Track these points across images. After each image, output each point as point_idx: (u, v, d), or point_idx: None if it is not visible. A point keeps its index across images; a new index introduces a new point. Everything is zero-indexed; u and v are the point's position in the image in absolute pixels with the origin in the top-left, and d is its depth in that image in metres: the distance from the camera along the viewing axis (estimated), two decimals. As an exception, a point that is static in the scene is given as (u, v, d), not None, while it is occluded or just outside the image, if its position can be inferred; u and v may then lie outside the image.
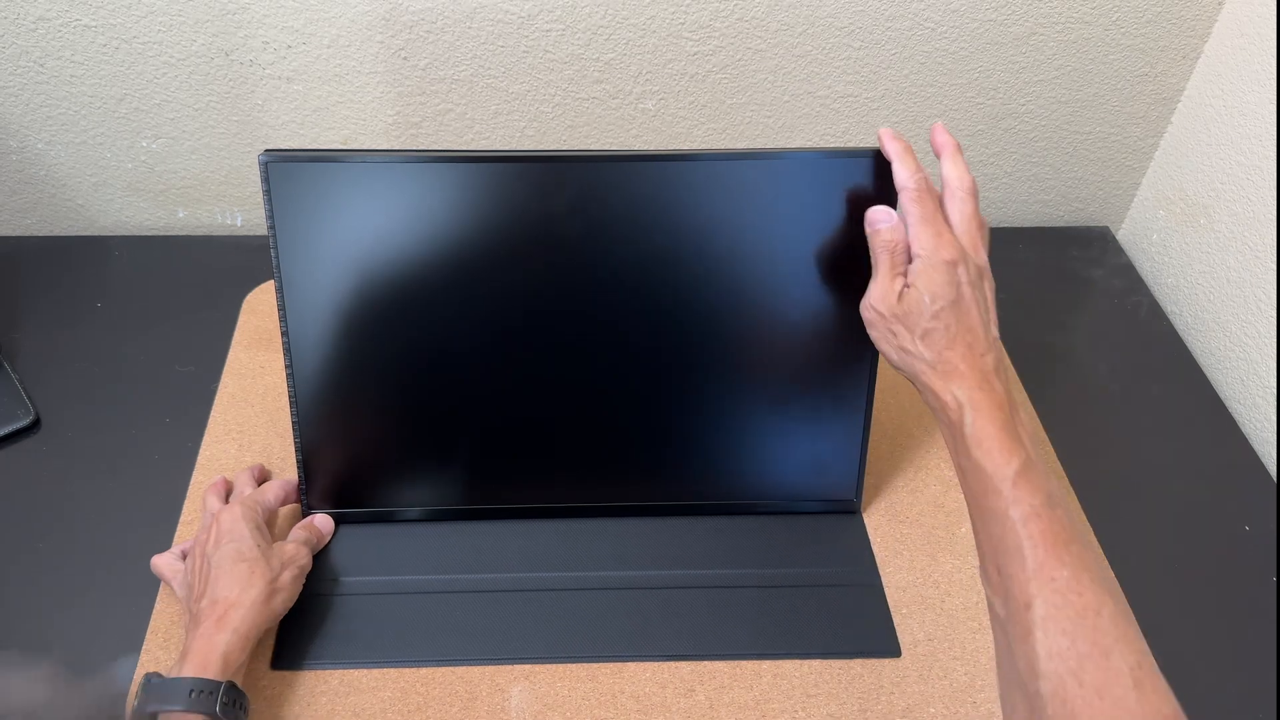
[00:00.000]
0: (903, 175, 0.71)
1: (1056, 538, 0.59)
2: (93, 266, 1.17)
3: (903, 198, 0.70)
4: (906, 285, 0.69)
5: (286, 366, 0.80)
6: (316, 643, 0.80)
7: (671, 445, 0.86)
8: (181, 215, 1.23)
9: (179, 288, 1.14)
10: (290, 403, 0.81)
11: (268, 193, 0.74)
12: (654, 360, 0.82)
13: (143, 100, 1.12)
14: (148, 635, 0.80)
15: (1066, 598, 0.57)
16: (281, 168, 0.73)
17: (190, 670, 0.68)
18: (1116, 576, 0.84)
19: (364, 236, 0.76)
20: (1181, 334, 1.20)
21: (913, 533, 0.93)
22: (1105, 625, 0.56)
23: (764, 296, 0.80)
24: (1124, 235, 1.36)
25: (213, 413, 0.99)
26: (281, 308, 0.78)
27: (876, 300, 0.71)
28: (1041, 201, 1.32)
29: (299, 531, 0.84)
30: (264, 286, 1.14)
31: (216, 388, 1.02)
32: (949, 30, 1.14)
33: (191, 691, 0.67)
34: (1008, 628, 0.59)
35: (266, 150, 0.74)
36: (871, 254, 0.72)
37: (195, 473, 0.93)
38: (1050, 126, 1.25)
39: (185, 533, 0.88)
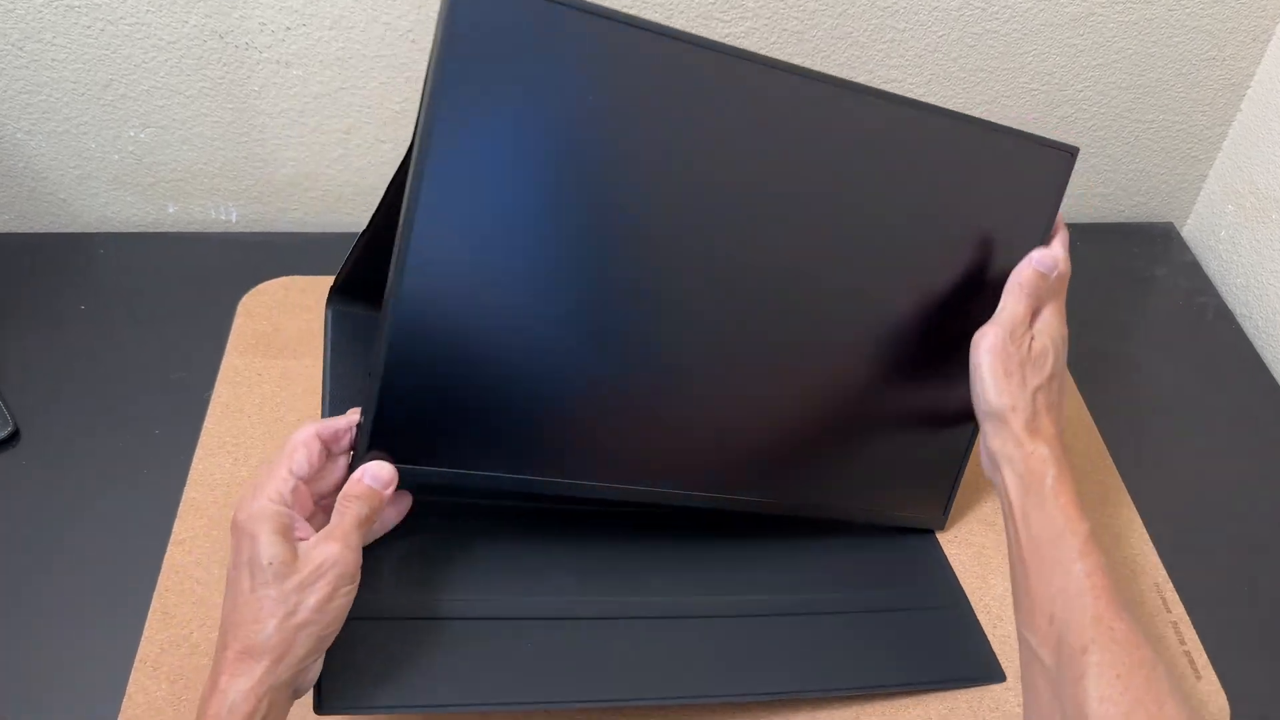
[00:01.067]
0: (1062, 253, 0.80)
1: (1116, 598, 0.66)
2: (76, 266, 1.16)
3: (1045, 269, 0.79)
4: (1033, 336, 0.77)
5: (399, 251, 0.64)
6: (366, 679, 0.68)
7: (779, 435, 0.83)
8: (172, 210, 1.23)
9: (169, 289, 1.13)
10: (386, 299, 0.65)
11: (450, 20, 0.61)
12: (791, 331, 0.79)
13: (130, 86, 1.11)
14: (135, 665, 0.79)
15: (1125, 648, 0.63)
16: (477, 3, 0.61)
17: None
18: (1186, 610, 0.89)
19: (550, 116, 0.65)
20: (1252, 338, 1.19)
21: (962, 553, 0.93)
22: (1160, 680, 0.62)
23: (912, 285, 0.80)
24: (1189, 232, 1.35)
25: (206, 424, 0.98)
26: (418, 177, 0.63)
27: (1006, 334, 0.76)
28: (1100, 195, 1.31)
29: (347, 508, 0.66)
30: (261, 288, 1.14)
31: (210, 397, 1.01)
32: (1000, 10, 1.13)
33: None
34: (1056, 674, 0.64)
35: None
36: (1017, 289, 0.78)
37: (187, 489, 0.92)
38: (1110, 115, 1.24)
39: (176, 554, 0.87)
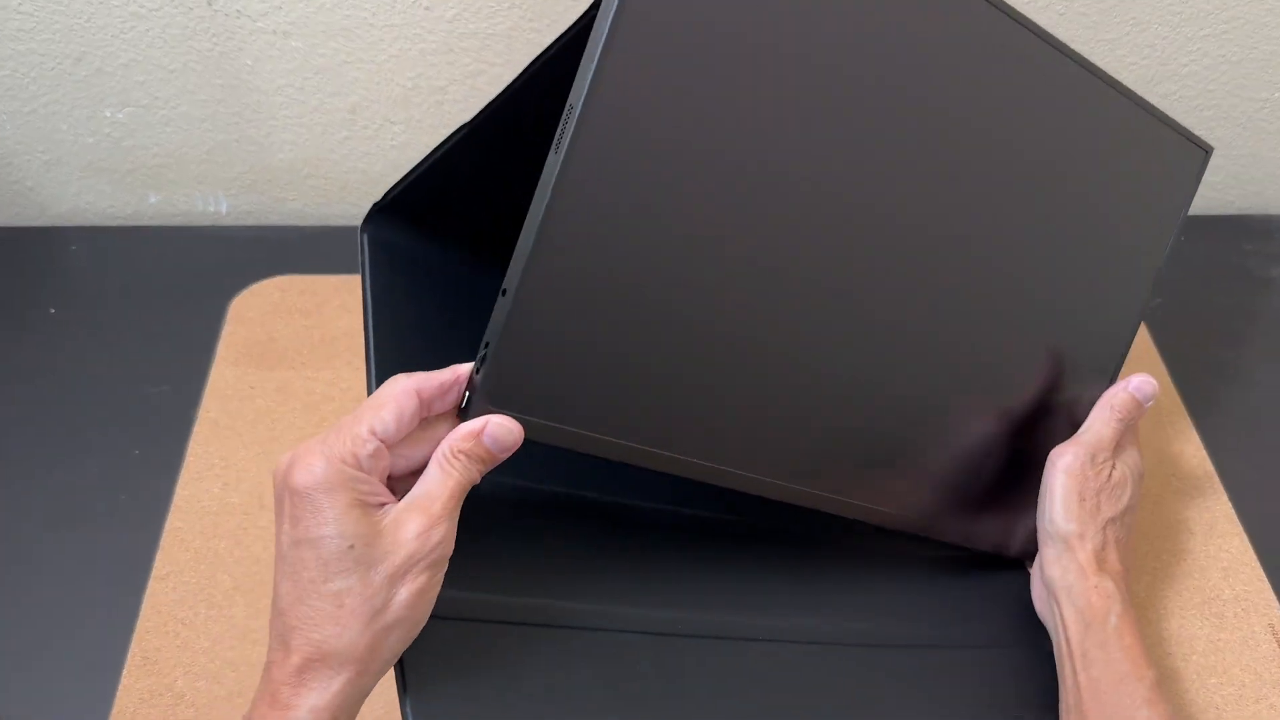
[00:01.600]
0: (1151, 388, 0.82)
1: None
2: (44, 263, 1.16)
3: (1143, 397, 0.82)
4: (1114, 464, 0.79)
5: (555, 180, 0.59)
6: (464, 697, 0.61)
7: (910, 435, 0.81)
8: (153, 201, 1.23)
9: (150, 290, 1.13)
10: (539, 206, 0.59)
11: None
12: (936, 320, 0.78)
13: (105, 60, 1.10)
14: (111, 718, 0.78)
15: None
16: None
17: None
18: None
19: (733, 59, 0.63)
20: (1383, 346, 1.16)
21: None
22: None
23: (1044, 276, 0.81)
24: (1308, 227, 1.32)
25: (191, 444, 0.97)
26: (589, 92, 0.59)
27: (1088, 457, 0.79)
28: (1208, 184, 1.27)
29: (452, 467, 0.56)
30: (254, 289, 1.12)
31: (196, 413, 0.99)
32: (1096, -27, 1.10)
33: None
34: None
35: None
36: (1109, 411, 0.81)
37: (170, 518, 0.91)
38: (1219, 93, 1.22)
39: (158, 592, 0.86)
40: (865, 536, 0.89)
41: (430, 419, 0.58)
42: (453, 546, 0.55)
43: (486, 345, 0.59)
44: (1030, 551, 0.86)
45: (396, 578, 0.53)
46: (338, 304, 1.10)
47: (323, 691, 0.53)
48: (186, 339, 1.07)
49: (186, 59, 1.11)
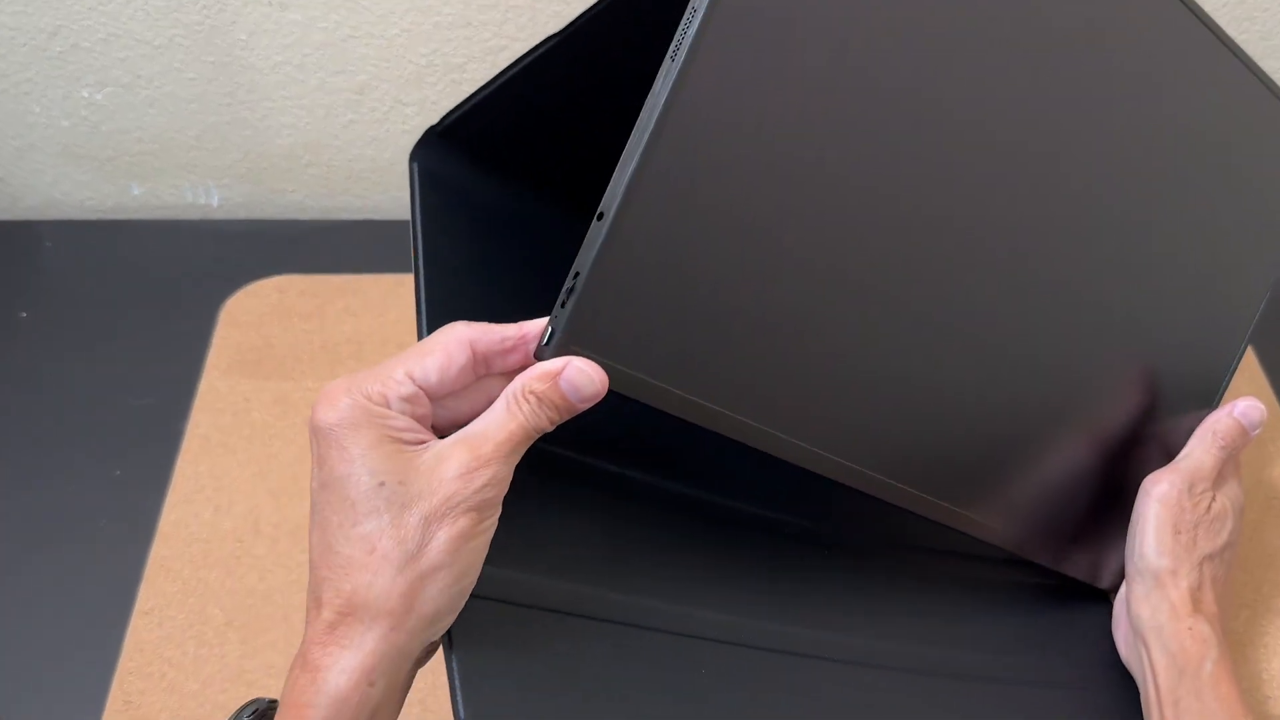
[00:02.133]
0: (1259, 414, 0.82)
1: None
2: (15, 261, 1.15)
3: (1249, 424, 0.82)
4: (1214, 496, 0.79)
5: (670, 88, 0.57)
6: (519, 689, 0.60)
7: (998, 443, 0.81)
8: (136, 192, 1.22)
9: (133, 291, 1.12)
10: (650, 129, 0.57)
11: None
12: (1049, 322, 0.79)
13: (83, 34, 1.09)
14: None
15: None
16: None
17: None
18: None
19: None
20: None
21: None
22: None
23: (1158, 281, 0.81)
24: None
25: (179, 462, 0.96)
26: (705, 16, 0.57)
27: (1185, 486, 0.78)
28: None
29: (520, 408, 0.54)
30: (249, 289, 1.11)
31: (184, 428, 0.99)
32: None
33: None
34: None
35: None
36: (1210, 438, 0.80)
37: (155, 545, 0.90)
38: None
39: (141, 627, 0.85)
40: (947, 559, 0.90)
41: (487, 377, 0.57)
42: (504, 492, 0.54)
43: (575, 276, 0.57)
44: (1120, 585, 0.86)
45: (433, 519, 0.52)
46: (341, 306, 1.09)
47: (356, 650, 0.51)
48: (173, 345, 1.06)
49: (173, 33, 1.10)
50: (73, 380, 1.04)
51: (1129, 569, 0.79)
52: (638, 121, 0.56)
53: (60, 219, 1.23)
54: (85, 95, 1.14)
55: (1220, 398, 0.86)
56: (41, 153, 1.19)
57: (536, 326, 0.56)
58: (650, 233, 0.58)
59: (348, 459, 0.52)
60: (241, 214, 1.25)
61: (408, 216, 0.75)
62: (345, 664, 0.51)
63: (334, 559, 0.52)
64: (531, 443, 0.54)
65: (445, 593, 0.52)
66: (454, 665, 0.57)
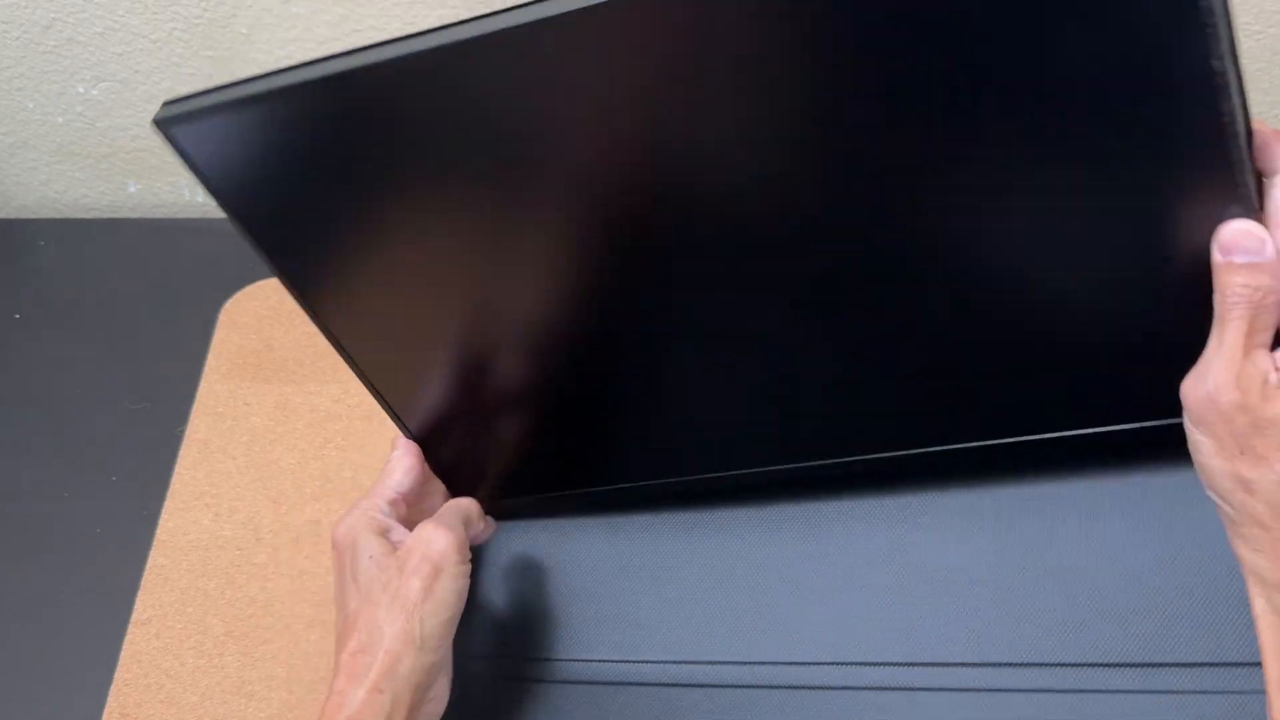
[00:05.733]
0: (1248, 240, 0.57)
1: None
2: (8, 261, 1.16)
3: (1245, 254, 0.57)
4: (1266, 376, 0.56)
5: None
6: None
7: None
8: (133, 190, 1.22)
9: (130, 292, 1.13)
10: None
11: None
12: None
13: (78, 28, 1.09)
14: None
15: None
16: None
17: None
18: None
19: None
20: None
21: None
22: None
23: None
24: None
25: (177, 469, 0.96)
26: None
27: (1219, 385, 0.56)
28: None
29: (445, 512, 0.75)
30: (249, 290, 1.11)
31: (183, 433, 0.99)
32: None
33: None
34: None
35: None
36: (1218, 301, 0.57)
37: (153, 553, 0.90)
38: None
39: (139, 638, 0.86)
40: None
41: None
42: (459, 547, 0.71)
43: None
44: None
45: (409, 573, 0.69)
46: (344, 308, 1.09)
47: (367, 676, 0.67)
48: (172, 348, 1.07)
49: (171, 27, 1.10)
50: (68, 384, 1.04)
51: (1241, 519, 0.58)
52: None
53: (55, 218, 1.22)
54: (81, 91, 1.14)
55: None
56: (36, 150, 1.18)
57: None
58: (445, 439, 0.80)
59: (355, 552, 0.72)
60: (242, 213, 1.24)
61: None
62: (360, 691, 0.66)
63: (349, 619, 0.70)
64: (468, 522, 0.76)
65: (428, 625, 0.68)
66: None
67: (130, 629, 0.86)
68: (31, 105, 1.15)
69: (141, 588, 0.89)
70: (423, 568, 0.69)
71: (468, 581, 0.71)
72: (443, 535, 0.70)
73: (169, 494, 0.95)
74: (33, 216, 1.23)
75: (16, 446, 0.99)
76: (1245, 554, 0.57)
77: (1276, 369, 0.55)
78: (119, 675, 0.83)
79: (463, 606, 0.71)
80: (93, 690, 0.83)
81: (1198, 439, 0.58)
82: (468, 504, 0.77)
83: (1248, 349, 0.56)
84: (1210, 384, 0.56)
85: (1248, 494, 0.56)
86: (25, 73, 1.13)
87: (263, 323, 1.08)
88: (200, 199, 1.24)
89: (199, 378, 1.04)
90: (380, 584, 0.69)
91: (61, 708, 0.83)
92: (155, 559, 0.91)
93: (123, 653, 0.85)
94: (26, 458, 0.99)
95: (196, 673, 0.83)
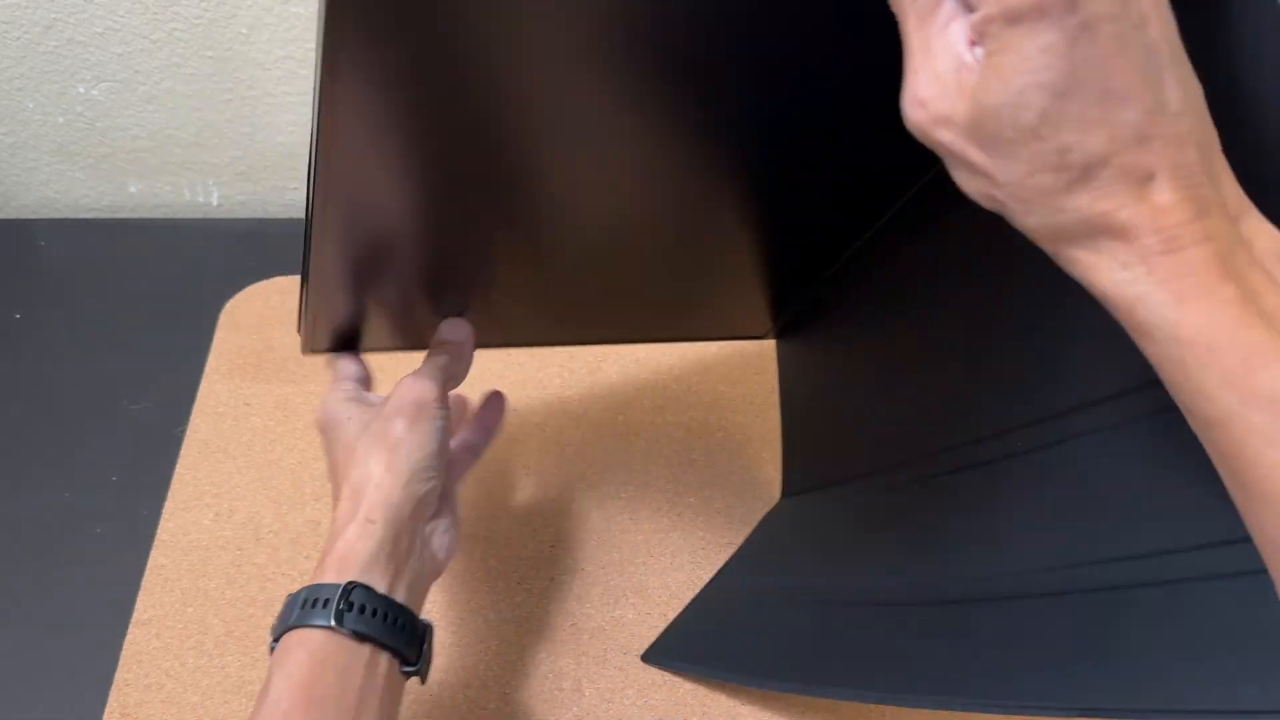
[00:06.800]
0: None
1: None
2: (9, 262, 1.15)
3: None
4: (976, 50, 0.43)
5: None
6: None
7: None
8: (133, 191, 1.22)
9: (130, 292, 1.12)
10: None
11: None
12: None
13: (79, 29, 1.09)
14: None
15: None
16: None
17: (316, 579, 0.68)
18: None
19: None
20: None
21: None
22: None
23: None
24: None
25: (178, 469, 0.96)
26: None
27: (924, 97, 0.45)
28: None
29: (423, 367, 0.77)
30: (249, 291, 1.12)
31: (183, 433, 0.99)
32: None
33: (304, 602, 0.66)
34: None
35: None
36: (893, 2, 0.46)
37: (154, 552, 0.90)
38: None
39: (139, 638, 0.86)
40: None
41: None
42: (434, 394, 0.74)
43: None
44: None
45: (389, 418, 0.72)
46: (344, 308, 1.09)
47: (365, 503, 0.69)
48: (172, 348, 1.07)
49: (171, 27, 1.10)
50: (68, 384, 1.04)
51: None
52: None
53: (55, 218, 1.22)
54: (81, 91, 1.14)
55: None
56: (36, 150, 1.18)
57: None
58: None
59: (335, 424, 0.75)
60: (242, 213, 1.24)
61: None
62: (355, 526, 0.69)
63: (339, 470, 0.73)
64: (444, 371, 0.76)
65: (414, 462, 0.71)
66: None
67: (130, 629, 0.86)
68: (31, 105, 1.15)
69: (142, 587, 0.88)
70: (405, 409, 0.72)
71: (449, 424, 0.74)
72: (422, 380, 0.74)
73: (169, 494, 0.95)
74: (33, 217, 1.23)
75: (18, 446, 0.99)
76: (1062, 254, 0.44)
77: (970, 42, 0.43)
78: (119, 675, 0.83)
79: (447, 446, 0.74)
80: (93, 689, 0.82)
81: (956, 173, 0.46)
82: (443, 360, 0.78)
83: (932, 45, 0.44)
84: (919, 94, 0.45)
85: (1008, 209, 0.44)
86: (26, 73, 1.13)
87: (263, 323, 1.08)
88: (200, 199, 1.24)
89: (199, 378, 1.04)
90: (365, 434, 0.72)
91: (62, 707, 0.82)
92: (156, 559, 0.90)
93: (123, 653, 0.84)
94: (28, 457, 0.98)
95: (197, 673, 0.83)
